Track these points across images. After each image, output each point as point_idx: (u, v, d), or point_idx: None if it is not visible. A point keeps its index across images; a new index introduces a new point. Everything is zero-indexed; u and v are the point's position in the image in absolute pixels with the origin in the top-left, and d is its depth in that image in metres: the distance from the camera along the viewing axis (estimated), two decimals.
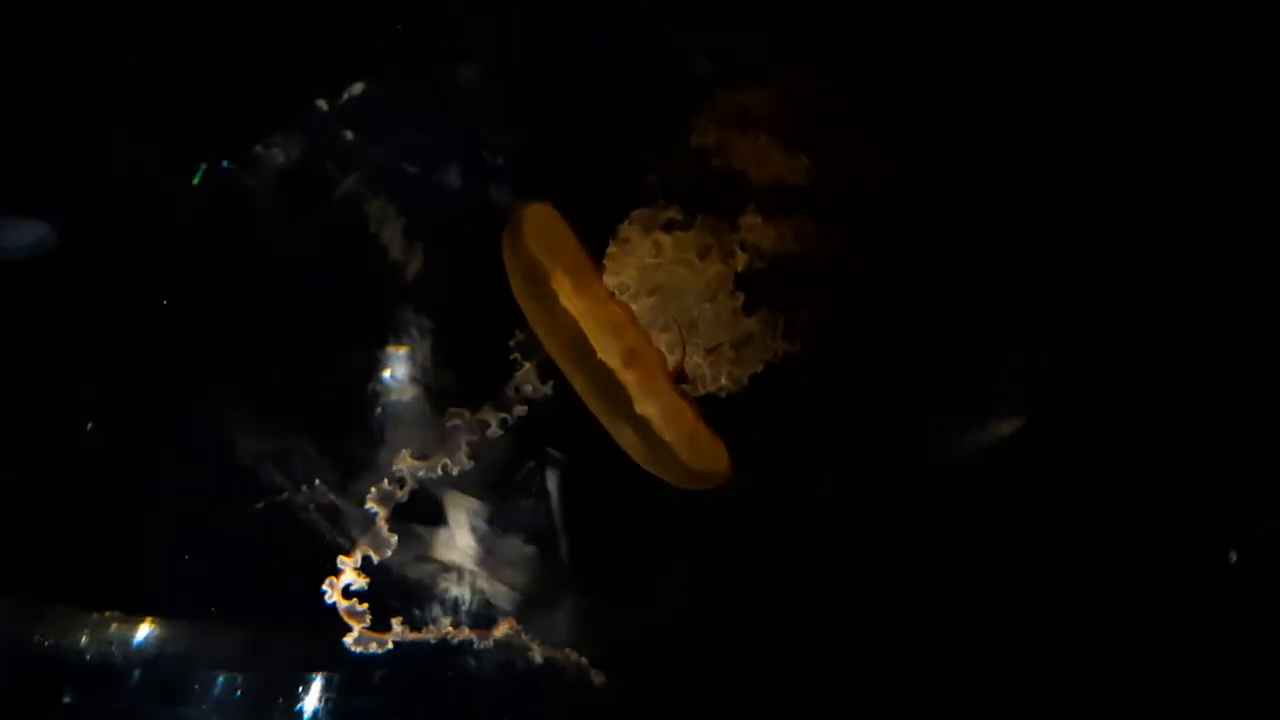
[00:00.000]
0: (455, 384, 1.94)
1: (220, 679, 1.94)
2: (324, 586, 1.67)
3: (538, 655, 1.88)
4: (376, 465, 1.90)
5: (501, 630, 1.86)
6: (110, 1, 1.87)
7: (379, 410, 1.94)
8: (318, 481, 1.92)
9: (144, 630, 1.93)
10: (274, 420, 1.92)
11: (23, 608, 1.93)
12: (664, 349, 1.62)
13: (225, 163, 1.91)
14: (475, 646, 1.85)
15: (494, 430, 1.72)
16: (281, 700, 1.94)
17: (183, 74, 1.86)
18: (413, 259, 1.96)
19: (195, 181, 1.91)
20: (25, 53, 1.84)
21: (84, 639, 1.92)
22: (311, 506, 1.92)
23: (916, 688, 1.90)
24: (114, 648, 1.92)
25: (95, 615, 1.92)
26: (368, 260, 1.94)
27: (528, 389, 1.73)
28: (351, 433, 1.93)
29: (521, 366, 1.73)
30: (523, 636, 1.87)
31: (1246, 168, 1.78)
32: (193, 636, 1.94)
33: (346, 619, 1.68)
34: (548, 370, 1.72)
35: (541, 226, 1.62)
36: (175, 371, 1.92)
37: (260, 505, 1.91)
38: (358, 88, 1.89)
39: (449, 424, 1.73)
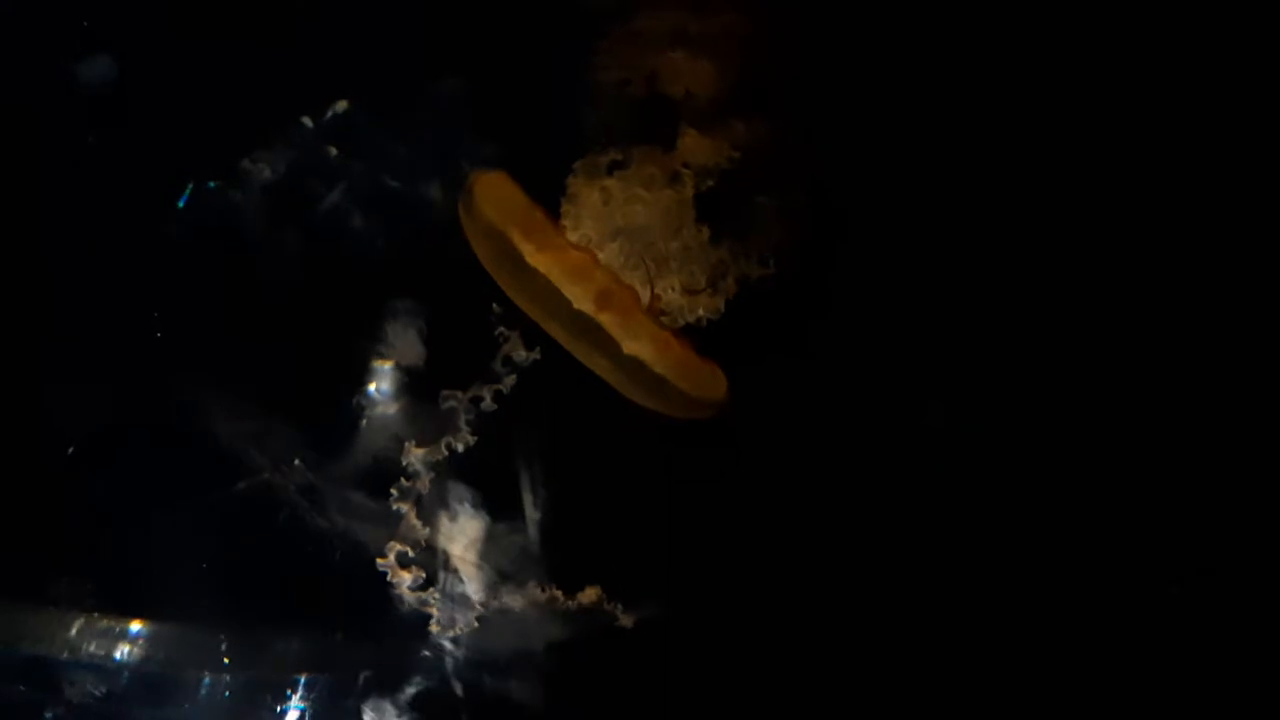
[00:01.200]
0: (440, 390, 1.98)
1: (207, 680, 1.96)
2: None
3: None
4: (362, 474, 1.96)
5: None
6: (98, 18, 1.92)
7: (364, 423, 2.00)
8: (297, 462, 1.96)
9: (130, 631, 1.95)
10: (250, 403, 1.96)
11: (7, 610, 1.95)
12: (637, 287, 1.65)
13: (211, 183, 1.96)
14: (459, 647, 1.91)
15: (488, 404, 1.77)
16: (269, 700, 1.97)
17: (169, 92, 1.92)
18: (396, 271, 2.01)
19: (180, 205, 1.97)
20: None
21: (69, 640, 1.94)
22: (299, 511, 1.96)
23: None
24: (100, 649, 1.94)
25: (81, 616, 1.94)
26: (351, 273, 1.99)
27: (518, 356, 1.77)
28: (338, 445, 1.98)
29: (507, 338, 1.77)
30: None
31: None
32: (179, 638, 1.96)
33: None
34: (532, 338, 1.77)
35: (493, 193, 1.66)
36: (162, 381, 1.96)
37: (241, 485, 1.94)
38: (341, 105, 1.94)
39: (444, 406, 1.79)
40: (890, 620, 1.92)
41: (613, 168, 1.71)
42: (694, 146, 1.70)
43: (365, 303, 1.98)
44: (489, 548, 1.95)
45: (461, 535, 1.94)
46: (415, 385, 1.97)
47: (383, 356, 1.99)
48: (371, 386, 1.99)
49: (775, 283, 1.74)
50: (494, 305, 1.80)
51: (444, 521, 1.94)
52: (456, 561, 1.94)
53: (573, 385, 1.73)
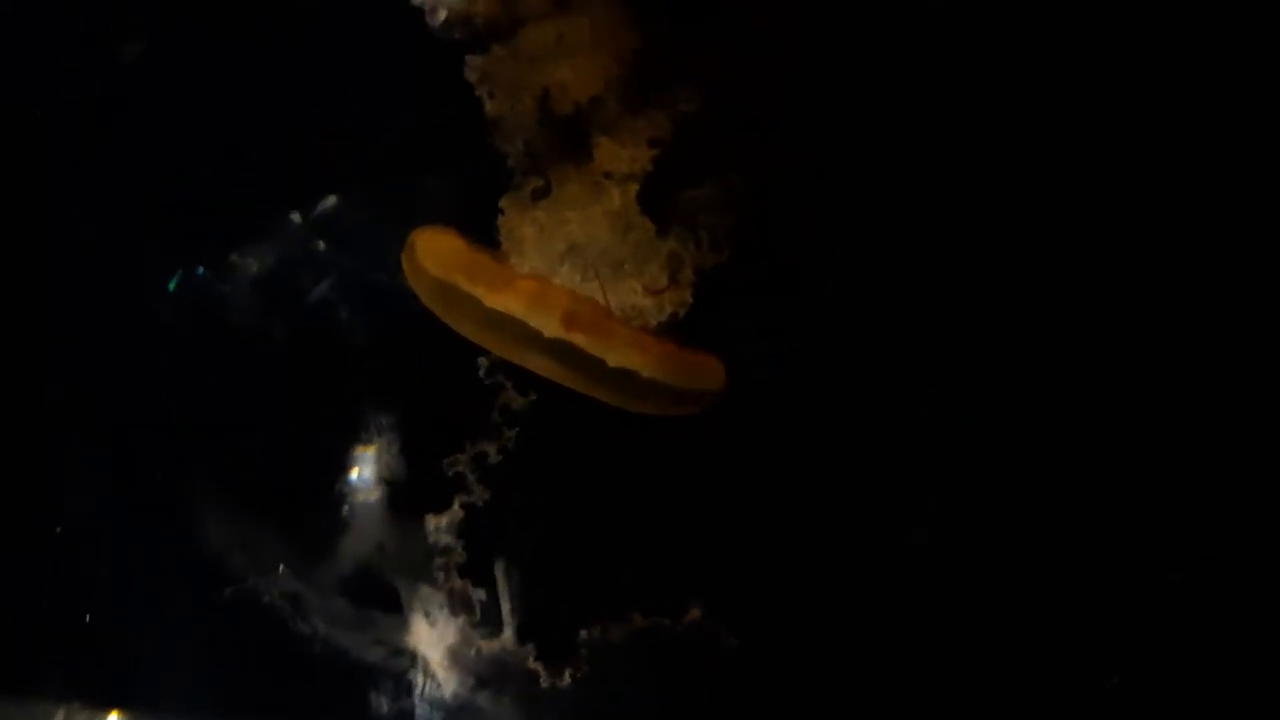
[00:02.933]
0: (422, 478, 1.99)
1: None
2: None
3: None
4: (345, 560, 1.97)
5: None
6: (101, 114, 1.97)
7: (346, 509, 2.01)
8: (282, 567, 1.97)
9: None
10: (243, 517, 1.99)
11: None
12: (599, 297, 1.63)
13: (200, 269, 2.00)
14: None
15: (494, 457, 1.79)
16: None
17: (164, 185, 1.97)
18: (380, 361, 2.04)
19: (171, 288, 2.00)
20: None
21: None
22: (276, 597, 1.97)
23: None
24: None
25: (62, 708, 1.95)
26: (336, 363, 2.02)
27: (515, 405, 1.78)
28: (320, 531, 2.00)
29: (502, 388, 1.78)
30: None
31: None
32: None
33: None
34: (525, 384, 1.77)
35: (432, 246, 1.66)
36: (147, 466, 1.99)
37: (227, 592, 1.96)
38: (330, 200, 1.98)
39: (450, 472, 1.80)
40: (891, 610, 1.92)
41: (538, 195, 1.69)
42: (609, 154, 1.67)
43: (351, 392, 2.00)
44: (467, 651, 1.96)
45: (441, 639, 1.94)
46: (390, 486, 1.98)
47: (368, 444, 2.01)
48: (354, 473, 2.01)
49: (738, 266, 1.71)
50: (480, 360, 1.80)
51: (423, 626, 1.95)
52: (436, 666, 1.94)
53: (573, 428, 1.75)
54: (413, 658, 1.97)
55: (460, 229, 1.80)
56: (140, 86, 1.94)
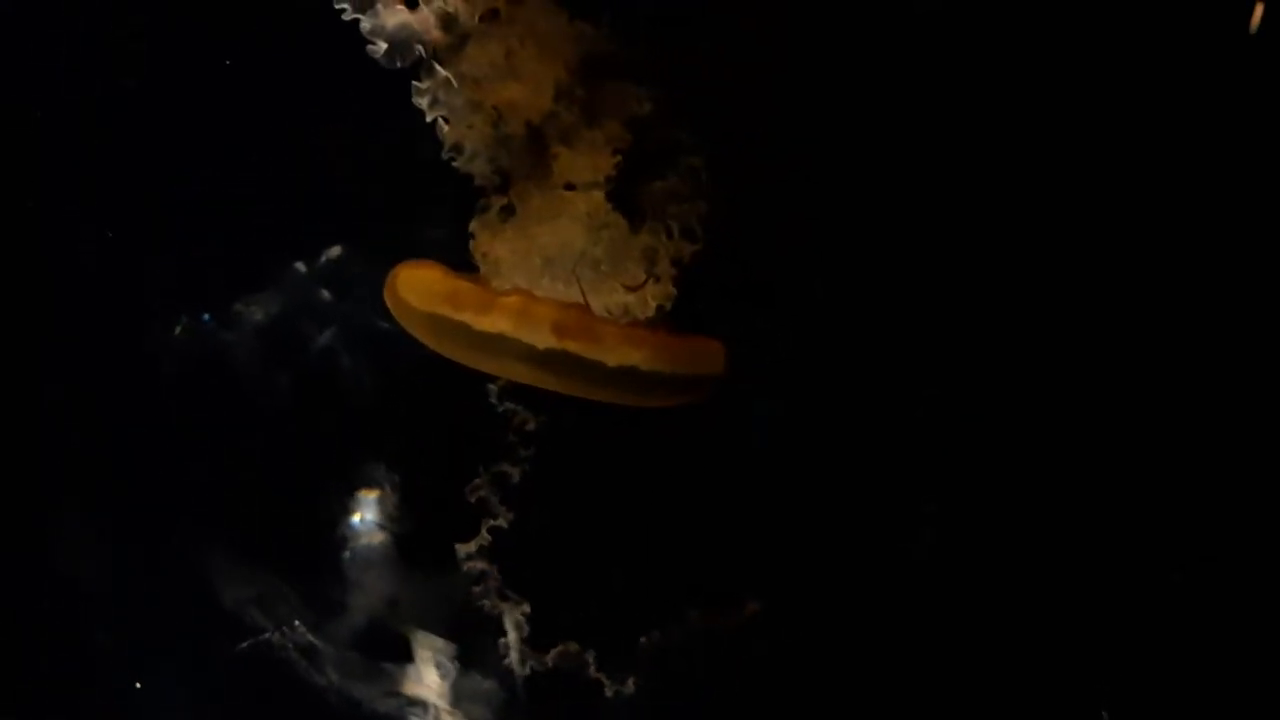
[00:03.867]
0: (440, 515, 2.01)
1: None
2: None
3: None
4: (350, 606, 2.00)
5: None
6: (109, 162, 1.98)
7: (358, 557, 2.03)
8: (297, 623, 2.00)
9: None
10: (249, 564, 2.01)
11: None
12: (583, 300, 1.63)
13: (206, 315, 2.01)
14: None
15: (515, 478, 1.82)
16: None
17: (169, 236, 1.98)
18: (387, 405, 2.06)
19: (177, 331, 2.01)
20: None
21: None
22: (290, 647, 2.00)
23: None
24: None
25: None
26: (342, 409, 2.04)
27: (529, 426, 1.80)
28: (332, 582, 2.02)
29: (514, 413, 1.80)
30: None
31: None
32: None
33: None
34: (538, 404, 1.80)
35: (412, 282, 1.67)
36: (151, 518, 2.00)
37: (239, 646, 1.98)
38: (335, 250, 2.00)
39: (473, 498, 1.83)
40: (889, 610, 1.94)
41: (506, 214, 1.68)
42: (568, 165, 1.67)
43: (356, 439, 2.02)
44: (474, 701, 1.99)
45: (448, 689, 1.97)
46: (394, 532, 2.00)
47: (378, 488, 2.03)
48: (363, 518, 2.03)
49: (717, 253, 1.70)
50: (489, 386, 1.82)
51: (431, 674, 1.98)
52: (445, 715, 1.97)
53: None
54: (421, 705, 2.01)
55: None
56: (144, 136, 1.94)
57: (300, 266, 2.00)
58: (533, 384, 1.70)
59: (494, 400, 1.85)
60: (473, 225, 1.68)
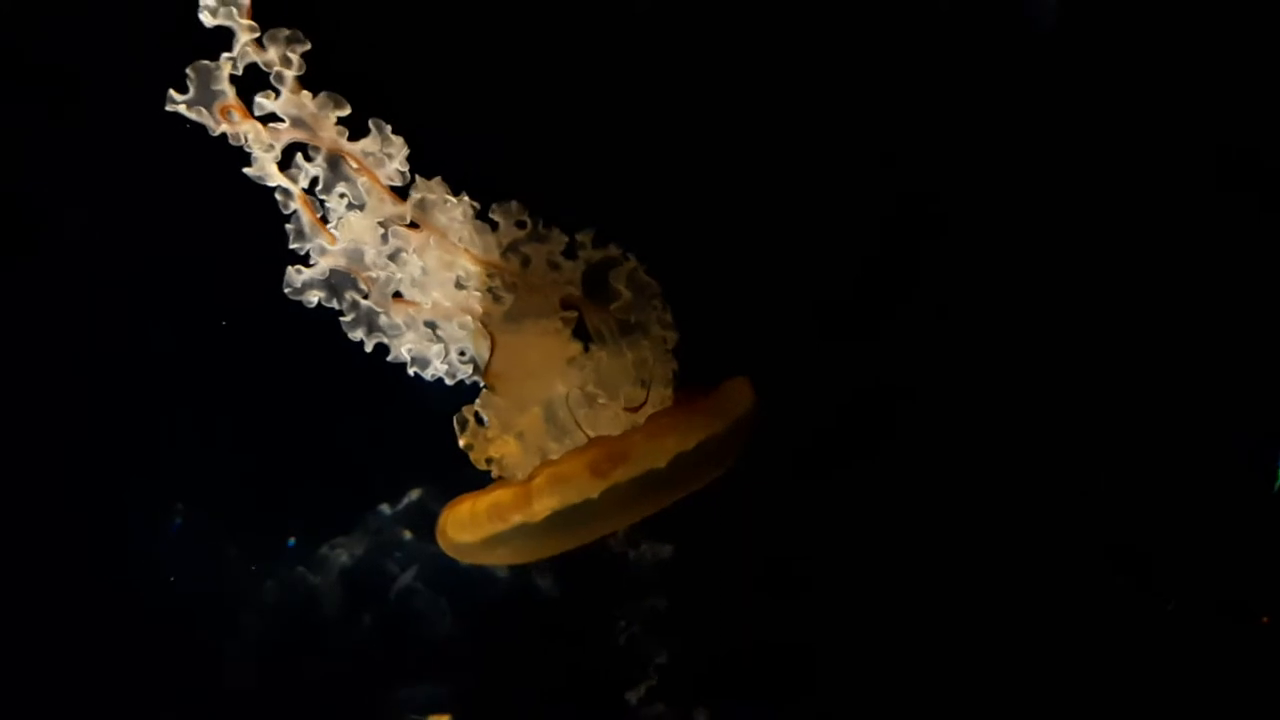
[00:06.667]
0: None
1: None
2: None
3: None
4: None
5: None
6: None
7: None
8: None
9: None
10: None
11: None
12: (590, 434, 1.60)
13: (291, 540, 2.12)
14: None
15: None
16: None
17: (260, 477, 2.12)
18: (463, 641, 2.12)
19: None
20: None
21: None
22: None
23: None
24: None
25: None
26: (421, 644, 2.10)
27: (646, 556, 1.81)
28: None
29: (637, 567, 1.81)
30: None
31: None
32: None
33: None
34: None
35: (454, 521, 1.63)
36: None
37: None
38: (415, 493, 2.12)
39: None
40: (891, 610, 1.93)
41: (480, 419, 1.66)
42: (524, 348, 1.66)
43: (432, 680, 2.08)
44: None
45: None
46: None
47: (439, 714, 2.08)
48: None
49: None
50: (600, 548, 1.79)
51: None
52: None
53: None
54: None
55: None
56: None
57: (385, 508, 2.12)
58: (625, 526, 1.69)
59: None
60: (461, 443, 1.67)
